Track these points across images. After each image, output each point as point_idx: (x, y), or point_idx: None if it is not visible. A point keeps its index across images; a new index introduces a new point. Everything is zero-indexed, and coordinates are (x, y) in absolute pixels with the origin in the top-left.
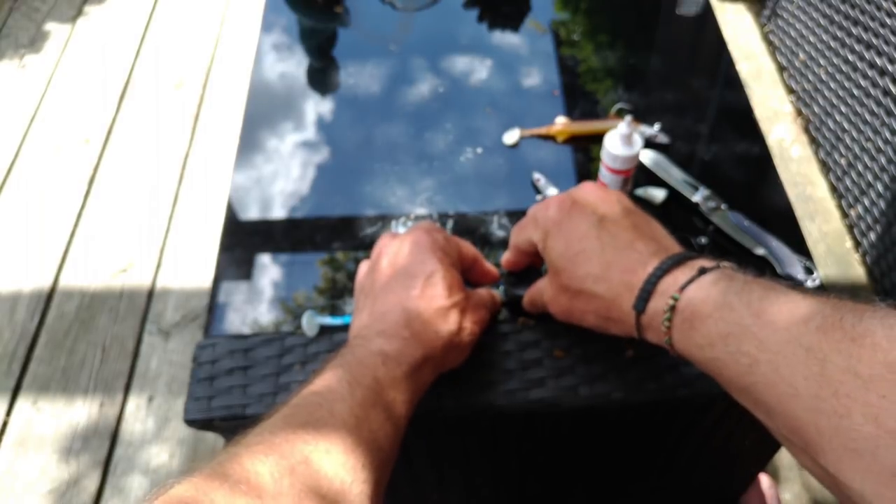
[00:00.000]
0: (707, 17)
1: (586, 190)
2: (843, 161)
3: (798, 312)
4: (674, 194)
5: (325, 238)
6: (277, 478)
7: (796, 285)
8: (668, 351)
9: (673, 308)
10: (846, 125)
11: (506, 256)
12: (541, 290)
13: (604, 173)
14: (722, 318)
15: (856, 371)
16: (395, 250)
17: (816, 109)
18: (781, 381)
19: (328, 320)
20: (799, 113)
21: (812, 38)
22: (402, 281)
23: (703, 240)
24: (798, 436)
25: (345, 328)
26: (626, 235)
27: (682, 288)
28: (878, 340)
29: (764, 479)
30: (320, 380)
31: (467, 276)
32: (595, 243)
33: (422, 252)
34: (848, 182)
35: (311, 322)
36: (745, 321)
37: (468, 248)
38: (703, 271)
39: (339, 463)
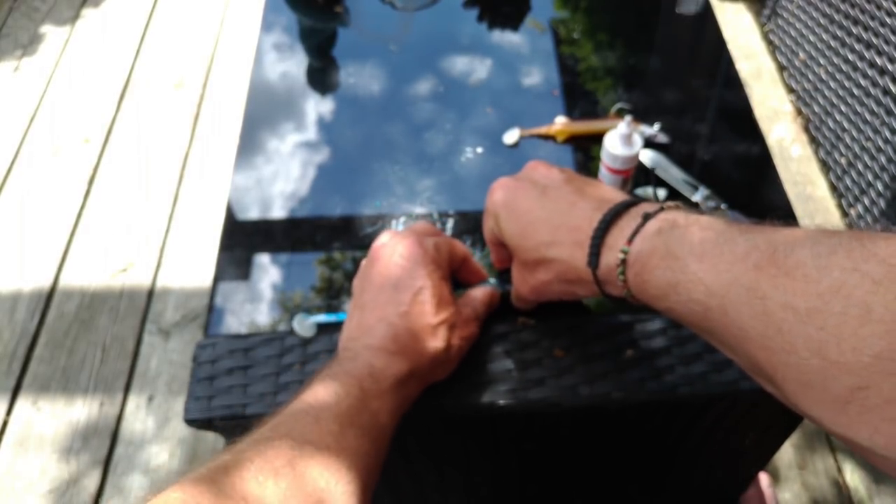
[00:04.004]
0: (707, 17)
1: (528, 168)
2: (843, 160)
3: (736, 251)
4: (674, 194)
5: (325, 238)
6: (262, 481)
7: (737, 217)
8: (631, 302)
9: (624, 261)
10: (846, 124)
11: (491, 256)
12: (517, 280)
13: (604, 173)
14: (669, 268)
15: (793, 306)
16: (386, 259)
17: (816, 109)
18: (732, 323)
19: (323, 318)
20: (799, 112)
21: (812, 38)
22: (390, 294)
23: None
24: (759, 370)
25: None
26: (569, 198)
27: (630, 240)
28: (808, 272)
29: (763, 479)
30: (309, 390)
31: (458, 276)
32: (540, 213)
33: (412, 265)
34: (848, 181)
35: (302, 324)
36: (691, 268)
37: (459, 248)
38: (646, 218)
39: (323, 466)
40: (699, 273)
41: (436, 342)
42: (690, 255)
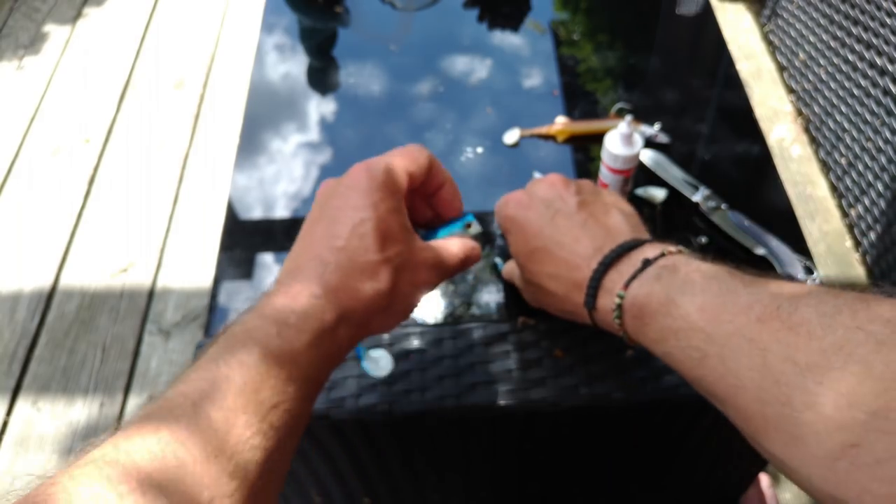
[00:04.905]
0: (707, 17)
1: (544, 185)
2: (843, 161)
3: (739, 302)
4: (674, 194)
5: None
6: None
7: (736, 268)
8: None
9: (620, 306)
10: (846, 125)
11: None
12: (514, 272)
13: (604, 173)
14: (669, 314)
15: (794, 359)
16: (329, 192)
17: (816, 109)
18: (728, 373)
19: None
20: (799, 113)
21: (812, 38)
22: (326, 228)
23: (704, 240)
24: (748, 425)
25: None
26: (575, 232)
27: (627, 285)
28: (813, 329)
29: (764, 479)
30: (195, 366)
31: (433, 205)
32: (547, 241)
33: (354, 195)
34: (848, 181)
35: (376, 363)
36: (692, 317)
37: (420, 161)
38: (646, 263)
39: (195, 474)
40: (700, 322)
41: (375, 283)
42: (691, 304)
